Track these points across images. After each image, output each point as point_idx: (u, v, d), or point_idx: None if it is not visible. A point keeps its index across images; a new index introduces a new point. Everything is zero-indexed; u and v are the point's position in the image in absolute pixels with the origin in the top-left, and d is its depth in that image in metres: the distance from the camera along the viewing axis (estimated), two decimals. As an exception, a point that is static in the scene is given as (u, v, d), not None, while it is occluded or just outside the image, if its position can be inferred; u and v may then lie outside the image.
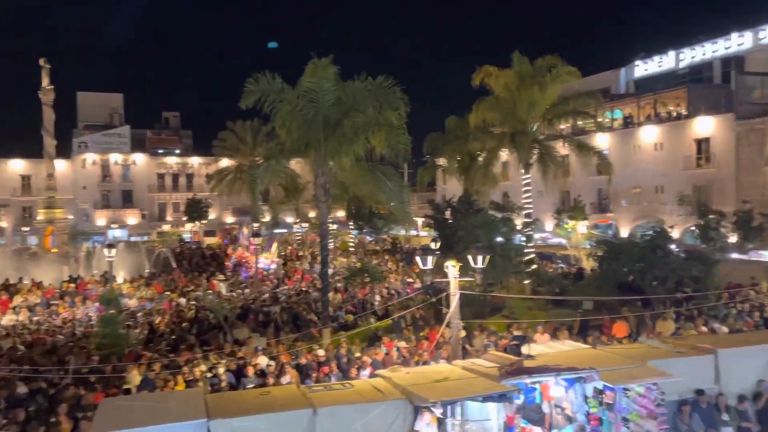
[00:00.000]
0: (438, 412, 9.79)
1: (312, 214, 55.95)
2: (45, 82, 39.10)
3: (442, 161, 38.09)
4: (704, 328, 17.47)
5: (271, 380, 13.73)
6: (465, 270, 15.98)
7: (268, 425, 9.46)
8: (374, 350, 16.64)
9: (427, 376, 11.09)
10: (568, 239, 37.73)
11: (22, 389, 13.30)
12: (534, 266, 28.45)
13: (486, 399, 10.07)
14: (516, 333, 16.79)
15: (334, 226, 47.78)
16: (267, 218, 60.16)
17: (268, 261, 31.97)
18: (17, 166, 60.18)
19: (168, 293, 28.49)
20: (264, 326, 21.17)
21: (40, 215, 41.11)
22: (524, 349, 12.46)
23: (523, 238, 27.82)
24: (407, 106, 18.33)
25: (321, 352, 15.87)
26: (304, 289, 28.54)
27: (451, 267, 13.74)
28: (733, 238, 25.94)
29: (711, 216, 25.62)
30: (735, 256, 26.65)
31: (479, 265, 15.02)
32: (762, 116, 33.99)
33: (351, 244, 46.37)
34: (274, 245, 33.24)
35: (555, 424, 11.64)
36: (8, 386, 13.53)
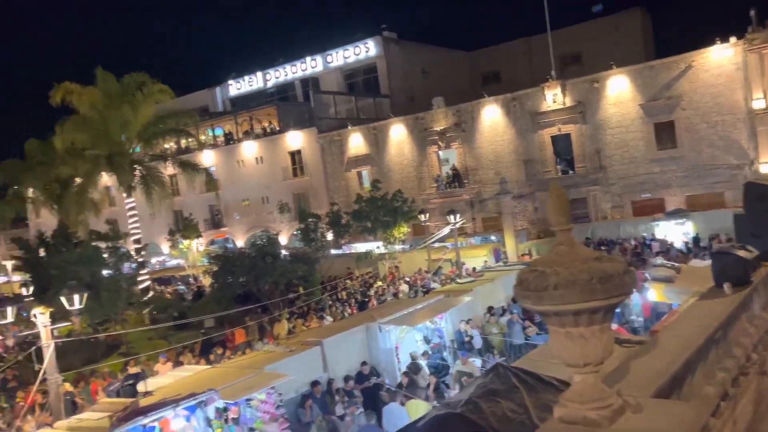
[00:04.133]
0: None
1: None
2: None
3: (30, 192, 32.88)
4: (316, 322, 19.15)
5: None
6: (64, 314, 13.89)
7: None
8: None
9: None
10: (186, 259, 37.08)
11: None
12: (150, 294, 26.94)
13: (95, 458, 8.80)
14: (132, 371, 15.41)
15: None
16: None
17: None
18: None
19: None
20: None
21: None
22: (140, 387, 11.46)
23: (135, 266, 26.08)
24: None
25: None
26: None
27: (40, 314, 11.67)
28: (329, 237, 29.39)
29: (310, 219, 28.45)
30: (333, 251, 30.29)
31: (76, 306, 13.19)
32: (338, 129, 39.48)
33: None
34: None
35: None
36: None
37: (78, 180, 28.25)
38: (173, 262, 41.57)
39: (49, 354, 11.41)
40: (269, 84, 49.54)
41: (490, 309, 16.21)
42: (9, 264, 40.19)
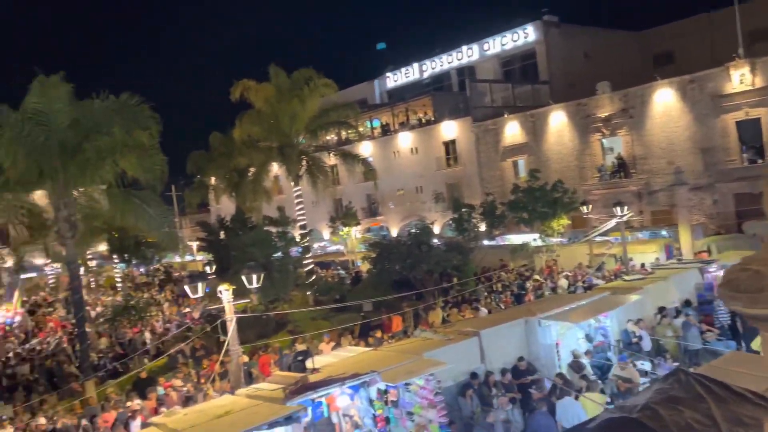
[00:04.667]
0: (222, 451, 9.03)
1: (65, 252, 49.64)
2: None
3: (212, 180, 36.58)
4: (470, 313, 19.13)
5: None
6: (243, 291, 15.29)
7: None
8: (149, 394, 15.03)
9: (207, 413, 10.21)
10: (345, 245, 38.93)
11: None
12: (314, 276, 28.69)
13: (272, 425, 9.54)
14: (300, 348, 16.52)
15: (94, 263, 42.79)
16: (9, 263, 51.71)
17: (9, 313, 27.19)
18: None
19: None
20: (10, 391, 17.87)
21: None
22: (309, 364, 12.24)
23: (300, 250, 27.91)
24: (159, 124, 16.96)
25: (42, 420, 13.66)
26: (58, 339, 24.85)
27: (225, 291, 12.95)
28: (482, 227, 29.12)
29: (463, 209, 28.41)
30: (486, 242, 29.96)
31: (254, 285, 14.43)
32: (493, 118, 38.89)
33: (117, 279, 42.03)
34: (16, 294, 28.43)
35: (344, 432, 11.63)
36: None
37: (252, 170, 30.82)
38: (333, 248, 43.92)
39: (231, 327, 12.63)
40: (425, 75, 50.05)
41: (661, 309, 14.99)
42: (194, 245, 45.13)
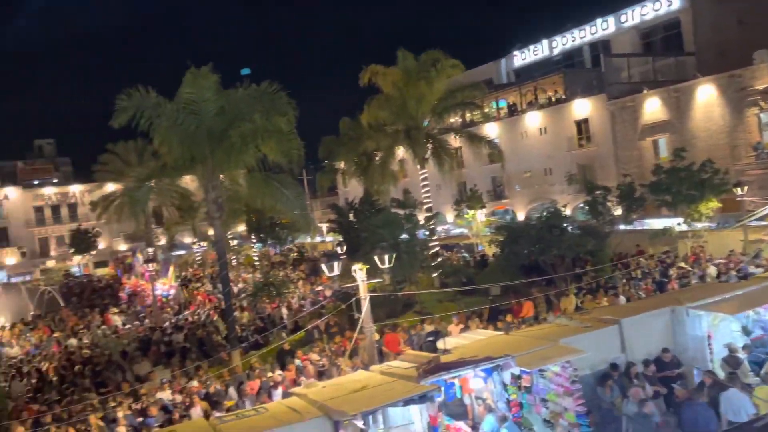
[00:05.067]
0: (359, 424, 9.35)
1: (211, 231, 53.82)
2: None
3: (341, 164, 37.77)
4: (607, 300, 18.21)
5: (177, 415, 12.68)
6: (373, 271, 15.66)
7: (176, 469, 8.63)
8: (287, 366, 15.96)
9: (345, 387, 10.61)
10: (469, 228, 38.61)
11: None
12: (439, 259, 28.75)
13: (407, 402, 9.74)
14: (428, 328, 16.67)
15: (235, 242, 46.06)
16: (162, 241, 57.18)
17: (165, 287, 30.07)
18: None
19: (56, 335, 26.04)
20: (168, 357, 19.79)
21: None
22: (440, 344, 12.32)
23: (427, 232, 28.06)
24: (296, 110, 17.76)
25: (196, 383, 14.94)
26: (207, 311, 27.12)
27: (359, 270, 13.34)
28: (618, 211, 27.48)
29: (598, 192, 26.96)
30: (621, 227, 28.26)
31: (386, 265, 14.72)
32: (631, 94, 36.39)
33: (255, 258, 44.93)
34: (171, 269, 31.35)
35: (477, 415, 11.58)
36: None
37: (379, 153, 31.38)
38: (456, 231, 43.75)
39: (365, 306, 13.00)
40: (555, 52, 47.93)
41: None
42: (324, 226, 47.01)
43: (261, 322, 23.83)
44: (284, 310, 24.67)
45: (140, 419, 13.21)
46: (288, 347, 17.85)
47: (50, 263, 59.75)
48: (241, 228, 50.21)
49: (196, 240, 52.76)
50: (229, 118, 17.54)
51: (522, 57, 50.60)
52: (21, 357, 23.11)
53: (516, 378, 11.23)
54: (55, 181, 63.86)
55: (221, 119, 17.60)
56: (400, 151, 32.13)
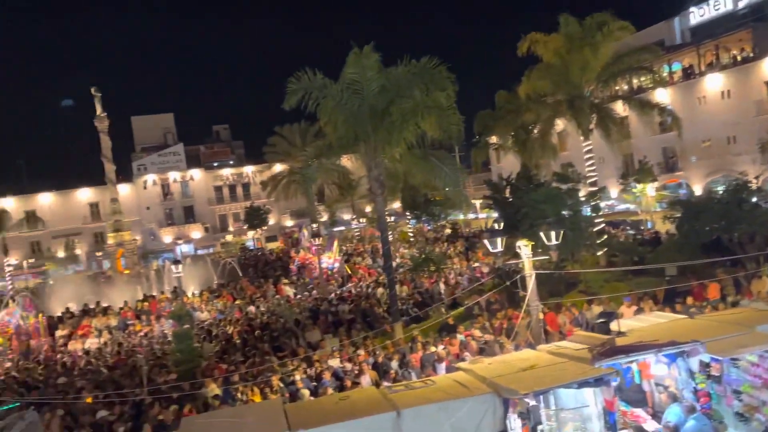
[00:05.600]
0: (530, 403, 9.12)
1: (368, 208, 55.81)
2: (98, 110, 40.20)
3: (494, 139, 36.97)
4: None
5: (348, 382, 13.35)
6: (537, 248, 15.13)
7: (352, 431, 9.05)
8: (449, 341, 16.08)
9: (512, 365, 10.41)
10: (638, 204, 35.90)
11: (102, 413, 13.42)
12: (605, 236, 27.10)
13: (581, 385, 9.29)
14: (595, 309, 15.81)
15: (392, 218, 47.32)
16: (324, 218, 60.55)
17: (330, 260, 31.80)
18: (84, 195, 62.58)
19: (237, 302, 28.76)
20: (335, 326, 20.92)
21: (110, 239, 42.47)
22: (613, 326, 11.62)
23: (590, 208, 26.53)
24: (455, 85, 17.53)
25: (362, 353, 15.47)
26: (368, 284, 28.22)
27: (524, 247, 12.95)
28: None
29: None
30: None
31: (553, 241, 14.13)
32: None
33: (410, 234, 45.86)
34: (335, 244, 33.04)
35: (657, 403, 10.77)
36: (93, 411, 13.71)
37: (538, 126, 30.15)
38: (621, 207, 40.96)
39: (531, 283, 12.61)
40: (740, 5, 42.38)
41: None
42: (477, 203, 46.56)
43: (419, 296, 24.28)
44: (442, 286, 24.88)
45: (314, 384, 14.11)
46: (450, 322, 18.00)
47: (228, 237, 66.08)
48: (396, 205, 51.50)
49: (354, 216, 55.21)
50: (390, 96, 17.82)
51: (699, 14, 45.41)
52: (210, 321, 25.84)
53: (704, 366, 10.21)
54: (231, 162, 70.21)
55: (383, 97, 17.95)
56: (560, 123, 30.63)
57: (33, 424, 11.88)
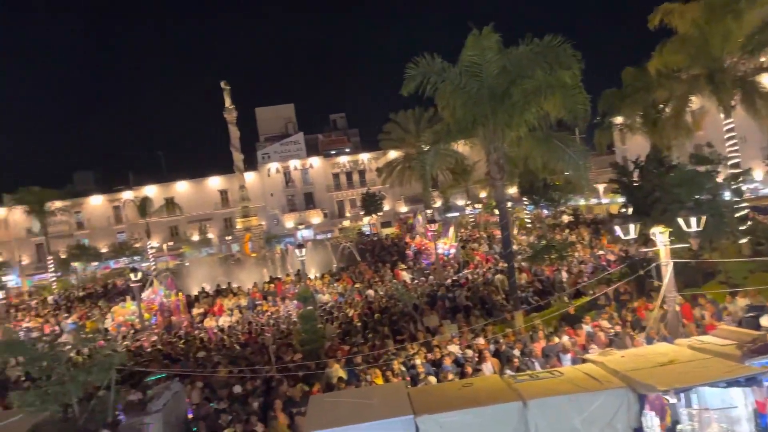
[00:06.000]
0: (671, 401, 8.51)
1: (483, 194, 54.93)
2: (227, 102, 42.71)
3: (619, 119, 34.78)
4: None
5: (469, 369, 13.23)
6: (673, 235, 14.05)
7: (476, 420, 8.93)
8: (575, 331, 15.44)
9: (648, 359, 9.78)
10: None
11: (237, 387, 14.31)
12: (749, 223, 24.71)
13: (730, 384, 8.53)
14: (741, 301, 14.43)
15: (508, 204, 46.15)
16: (438, 203, 60.49)
17: (446, 246, 31.68)
18: (215, 182, 67.15)
19: (356, 285, 29.52)
20: (452, 312, 20.84)
21: (239, 224, 45.26)
22: (763, 321, 10.58)
23: (731, 192, 24.26)
24: (580, 62, 16.64)
25: (482, 341, 15.14)
26: (485, 271, 27.80)
27: (659, 234, 12.06)
28: None
29: None
30: None
31: (693, 228, 13.04)
32: None
33: (527, 220, 44.58)
34: (451, 230, 32.84)
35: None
36: (228, 385, 14.68)
37: (671, 104, 27.96)
38: (766, 190, 37.14)
39: (669, 273, 11.73)
40: None
41: None
42: (600, 187, 44.25)
43: (540, 284, 23.55)
44: (564, 274, 23.96)
45: (434, 369, 14.13)
46: (573, 312, 17.29)
47: (345, 223, 68.02)
48: (512, 190, 50.21)
49: (469, 202, 54.60)
50: (511, 77, 17.27)
51: None
52: (331, 303, 26.75)
53: None
54: (348, 150, 72.05)
55: (503, 78, 17.44)
56: (696, 100, 28.14)
57: (178, 394, 12.96)
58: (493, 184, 19.01)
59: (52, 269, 51.77)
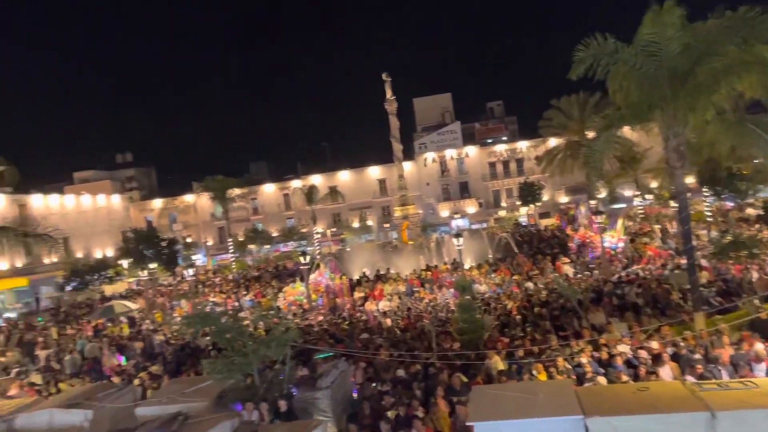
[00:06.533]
0: None
1: (653, 184, 50.75)
2: (388, 94, 43.83)
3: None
4: None
5: (643, 371, 12.31)
6: None
7: (657, 427, 8.24)
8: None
9: None
10: None
11: (400, 371, 14.68)
12: None
13: None
14: None
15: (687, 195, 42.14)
16: (602, 194, 57.02)
17: (614, 239, 29.75)
18: (374, 172, 69.59)
19: (515, 277, 28.88)
20: (620, 310, 19.55)
21: (396, 212, 46.49)
22: None
23: None
24: (786, 34, 14.59)
25: (654, 344, 13.82)
26: (663, 264, 25.66)
27: None
28: None
29: None
30: None
31: None
32: None
33: (708, 213, 40.42)
34: (620, 222, 30.76)
35: None
36: (390, 368, 15.12)
37: None
38: None
39: None
40: None
41: None
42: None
43: (724, 285, 21.23)
44: (754, 274, 21.35)
45: (601, 369, 13.35)
46: (765, 317, 15.32)
47: (501, 213, 66.88)
48: (689, 180, 45.80)
49: (638, 192, 50.77)
50: (696, 55, 15.64)
51: None
52: (488, 294, 26.46)
53: None
54: (504, 138, 70.67)
55: (686, 57, 15.84)
56: None
57: (345, 373, 13.64)
58: (671, 173, 17.45)
59: (232, 250, 57.34)
